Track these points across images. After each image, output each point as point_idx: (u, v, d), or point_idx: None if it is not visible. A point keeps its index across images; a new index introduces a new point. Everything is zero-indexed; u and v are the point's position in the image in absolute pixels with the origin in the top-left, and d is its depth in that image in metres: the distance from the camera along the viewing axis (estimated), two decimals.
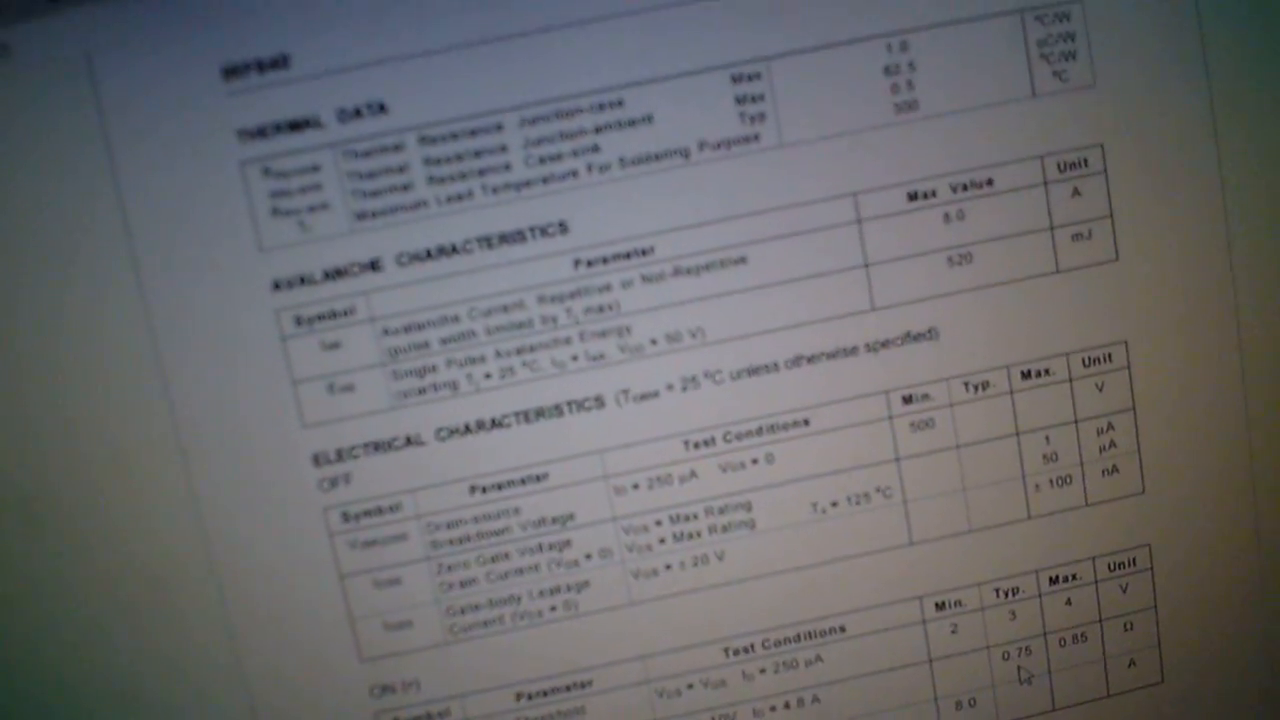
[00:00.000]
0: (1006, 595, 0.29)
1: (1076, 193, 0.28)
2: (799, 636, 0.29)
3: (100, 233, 0.26)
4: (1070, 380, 0.28)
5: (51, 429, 0.27)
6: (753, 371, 0.28)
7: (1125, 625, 0.30)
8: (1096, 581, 0.29)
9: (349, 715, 0.28)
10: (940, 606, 0.29)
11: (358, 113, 0.26)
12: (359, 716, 0.28)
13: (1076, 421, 0.28)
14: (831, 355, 0.28)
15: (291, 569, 0.27)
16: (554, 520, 0.28)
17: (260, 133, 0.26)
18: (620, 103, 0.26)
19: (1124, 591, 0.29)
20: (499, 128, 0.26)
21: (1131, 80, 0.27)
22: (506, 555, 0.28)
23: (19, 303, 0.26)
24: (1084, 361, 0.28)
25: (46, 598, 0.27)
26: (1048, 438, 0.28)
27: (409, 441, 0.27)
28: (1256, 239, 0.28)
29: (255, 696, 0.28)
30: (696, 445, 0.28)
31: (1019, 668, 0.29)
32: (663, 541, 0.28)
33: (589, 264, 0.27)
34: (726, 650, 0.29)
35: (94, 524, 0.27)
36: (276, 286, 0.26)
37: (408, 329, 0.27)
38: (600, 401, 0.27)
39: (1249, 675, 0.30)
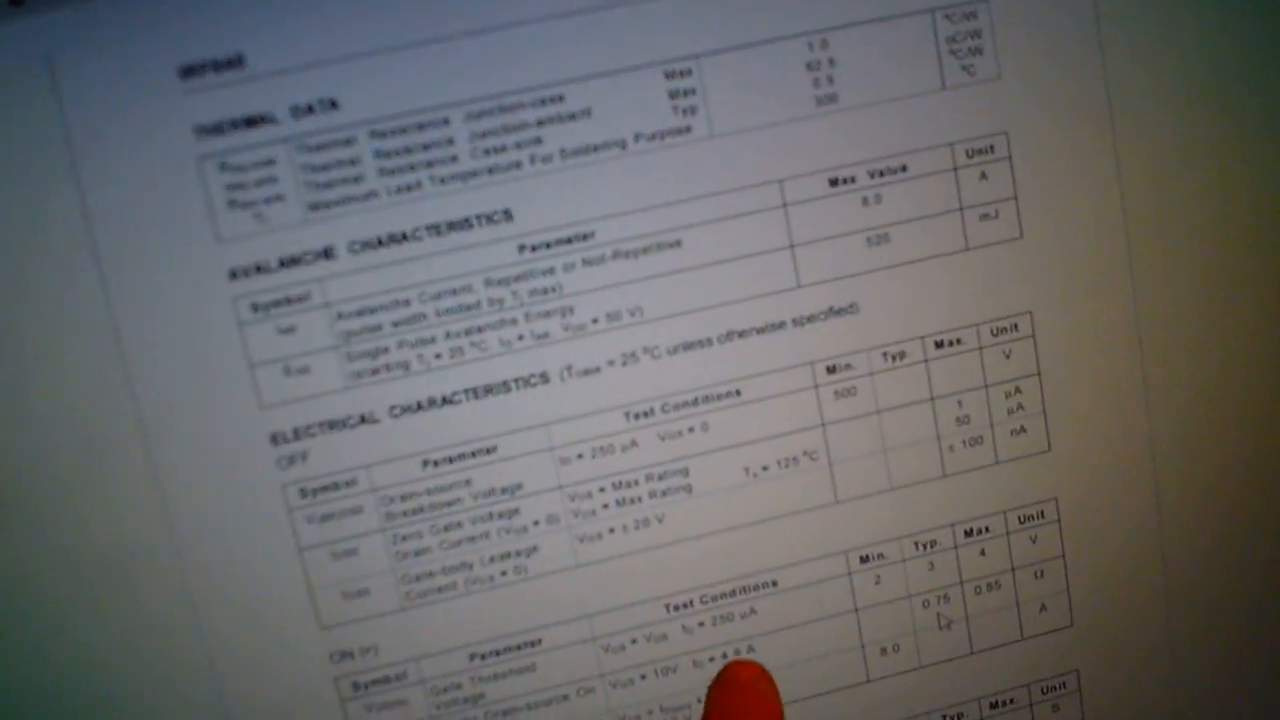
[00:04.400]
0: (925, 548, 0.31)
1: (984, 176, 0.30)
2: (734, 591, 0.31)
3: (62, 227, 0.27)
4: (980, 349, 0.31)
5: (15, 418, 0.27)
6: (688, 346, 0.29)
7: (1036, 573, 0.32)
8: (1008, 533, 0.32)
9: (311, 681, 0.30)
10: (864, 560, 0.31)
11: (310, 109, 0.27)
12: (320, 682, 0.30)
13: (986, 386, 0.31)
14: (760, 330, 0.30)
15: (252, 544, 0.29)
16: (503, 490, 0.29)
17: (217, 129, 0.27)
18: (561, 98, 0.28)
19: (1033, 542, 0.32)
20: (446, 122, 0.28)
21: (1034, 73, 0.30)
22: (459, 524, 0.29)
23: None
24: (992, 331, 0.31)
25: (9, 582, 0.28)
26: (960, 402, 0.31)
27: (363, 420, 0.29)
28: (1151, 213, 0.31)
29: (220, 666, 0.29)
30: (636, 416, 0.30)
31: (938, 614, 0.32)
32: (606, 507, 0.30)
33: (533, 249, 0.28)
34: (667, 606, 0.31)
35: (59, 509, 0.28)
36: (233, 275, 0.28)
37: (360, 313, 0.28)
38: (545, 378, 0.29)
39: (1151, 616, 0.33)
